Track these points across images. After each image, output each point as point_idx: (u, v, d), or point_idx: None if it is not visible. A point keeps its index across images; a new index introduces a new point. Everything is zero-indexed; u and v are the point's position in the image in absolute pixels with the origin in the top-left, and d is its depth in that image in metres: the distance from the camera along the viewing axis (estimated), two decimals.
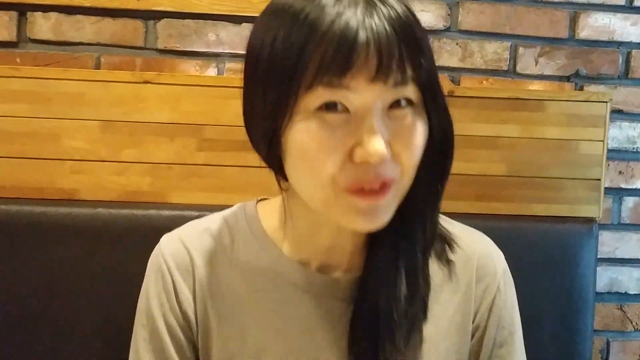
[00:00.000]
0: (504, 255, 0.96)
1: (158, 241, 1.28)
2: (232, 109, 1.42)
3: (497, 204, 1.50)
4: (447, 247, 0.90)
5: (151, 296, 0.88)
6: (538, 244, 1.46)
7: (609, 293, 1.66)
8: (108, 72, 1.45)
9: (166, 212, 1.37)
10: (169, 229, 1.31)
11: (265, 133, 0.76)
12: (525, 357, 0.95)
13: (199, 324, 0.86)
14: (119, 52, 1.48)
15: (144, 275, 1.29)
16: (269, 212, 0.90)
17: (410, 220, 0.82)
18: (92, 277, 1.34)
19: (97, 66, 1.48)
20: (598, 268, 1.53)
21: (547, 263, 1.45)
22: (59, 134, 1.40)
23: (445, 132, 0.79)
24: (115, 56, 1.48)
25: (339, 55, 0.67)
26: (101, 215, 1.36)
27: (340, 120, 0.71)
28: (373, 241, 0.84)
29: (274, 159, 0.78)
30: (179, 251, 0.88)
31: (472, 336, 0.90)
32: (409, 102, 0.73)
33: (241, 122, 1.38)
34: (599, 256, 1.53)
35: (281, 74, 0.70)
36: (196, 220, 0.93)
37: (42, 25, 1.46)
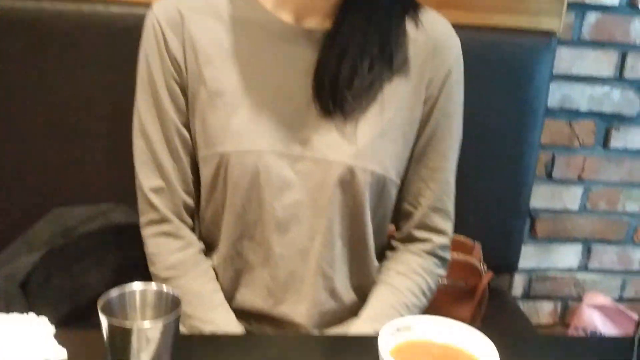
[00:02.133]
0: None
1: (105, 39, 1.27)
2: None
3: (458, 12, 1.47)
4: (417, 14, 1.02)
5: (147, 50, 0.99)
6: (496, 55, 1.46)
7: (560, 110, 1.69)
8: None
9: (115, 10, 1.33)
10: (116, 27, 1.29)
11: None
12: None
13: (188, 69, 0.98)
14: None
15: (91, 71, 1.33)
16: None
17: None
18: (40, 72, 1.33)
19: None
20: (552, 85, 1.54)
21: (503, 75, 1.47)
22: None
23: None
24: None
25: None
26: (46, 11, 1.31)
27: None
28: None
29: None
30: (169, 10, 0.99)
31: (425, 103, 1.02)
32: None
33: None
34: (554, 72, 1.53)
35: None
36: None
37: None
